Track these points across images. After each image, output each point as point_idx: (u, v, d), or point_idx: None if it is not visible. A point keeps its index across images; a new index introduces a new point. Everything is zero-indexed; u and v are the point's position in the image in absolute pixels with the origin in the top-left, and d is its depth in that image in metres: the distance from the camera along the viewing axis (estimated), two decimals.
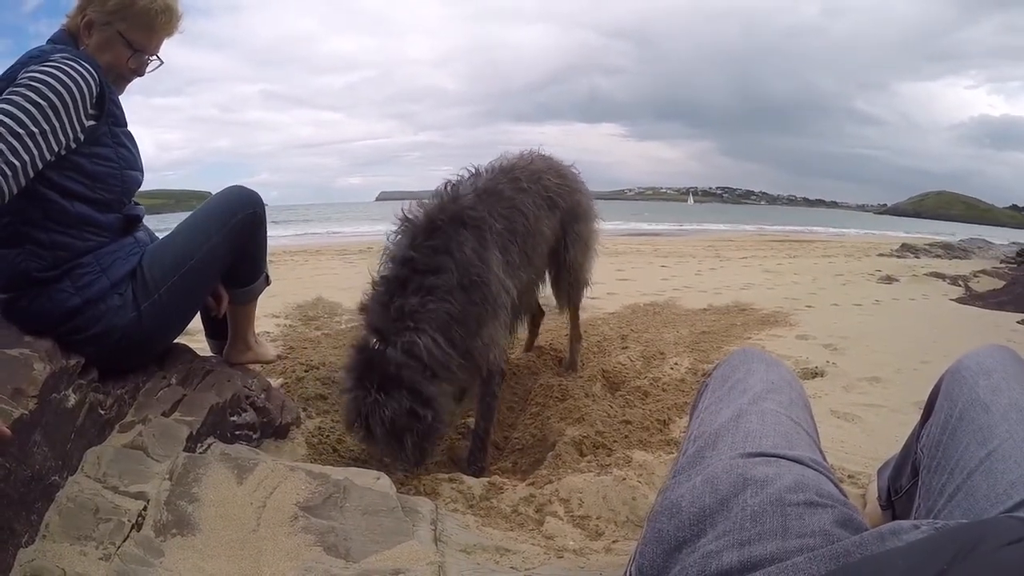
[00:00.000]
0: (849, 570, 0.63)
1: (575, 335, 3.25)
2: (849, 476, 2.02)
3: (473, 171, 2.47)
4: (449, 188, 2.30)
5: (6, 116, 1.60)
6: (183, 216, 2.19)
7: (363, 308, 2.15)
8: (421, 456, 2.05)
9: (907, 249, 11.71)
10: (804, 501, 0.76)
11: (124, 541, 1.40)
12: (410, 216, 2.19)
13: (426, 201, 2.25)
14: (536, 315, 3.42)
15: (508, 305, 2.26)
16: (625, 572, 0.82)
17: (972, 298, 5.90)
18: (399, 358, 1.96)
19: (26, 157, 1.62)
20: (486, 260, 2.16)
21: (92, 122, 1.84)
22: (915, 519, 0.76)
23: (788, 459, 0.85)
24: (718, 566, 0.70)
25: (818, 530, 0.72)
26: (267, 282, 2.39)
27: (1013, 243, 14.98)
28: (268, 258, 2.40)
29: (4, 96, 1.65)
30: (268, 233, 2.31)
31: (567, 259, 2.87)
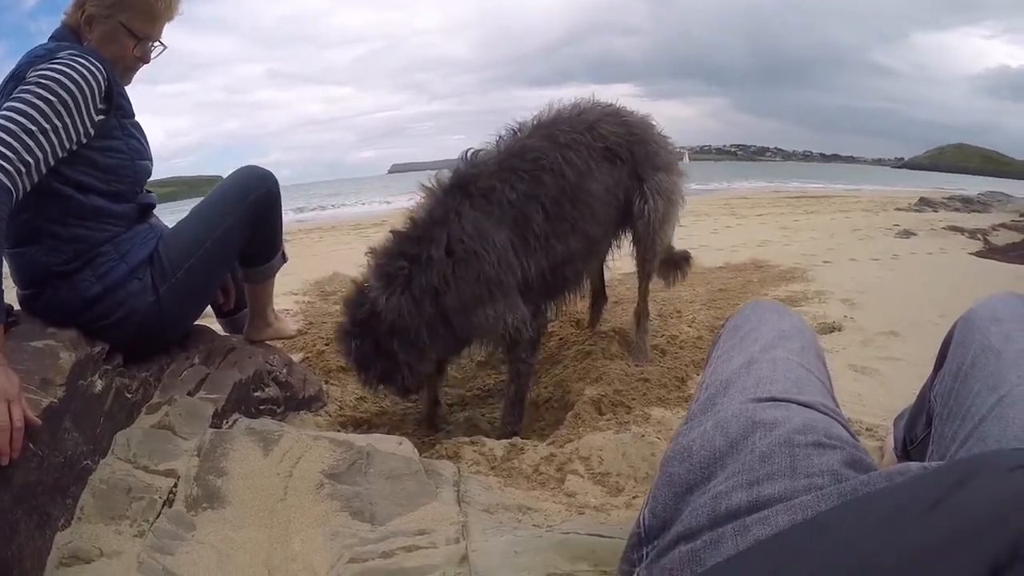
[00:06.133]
0: (852, 504, 0.64)
1: (641, 309, 2.79)
2: (867, 429, 2.03)
3: (514, 128, 2.37)
4: (470, 154, 2.27)
5: (18, 114, 1.62)
6: (197, 202, 2.22)
7: (373, 250, 2.22)
8: (382, 388, 2.29)
9: (925, 203, 11.50)
10: (812, 442, 0.76)
11: (157, 518, 1.44)
12: (429, 184, 2.22)
13: (444, 172, 2.26)
14: (599, 296, 3.11)
15: (513, 283, 2.18)
16: (639, 516, 0.84)
17: (991, 252, 5.82)
18: (379, 307, 2.10)
19: (39, 154, 1.63)
20: (486, 234, 2.11)
21: (102, 116, 1.85)
22: None
23: (798, 403, 0.85)
24: (727, 506, 0.71)
25: (826, 470, 0.72)
26: (284, 259, 2.41)
27: None
28: (285, 236, 2.42)
29: (15, 95, 1.67)
30: (283, 212, 2.33)
31: (641, 216, 2.52)
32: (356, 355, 2.17)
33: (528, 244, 2.20)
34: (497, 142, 2.32)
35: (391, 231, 2.19)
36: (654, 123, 2.66)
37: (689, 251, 3.13)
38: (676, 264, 3.04)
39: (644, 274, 2.73)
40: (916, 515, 0.53)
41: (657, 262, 2.73)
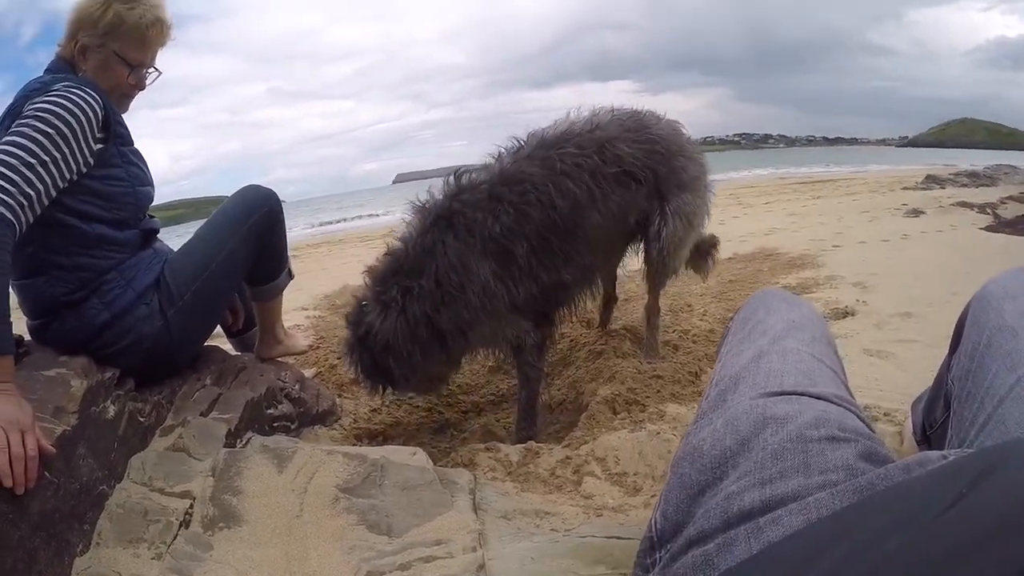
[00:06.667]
0: (869, 502, 0.62)
1: (652, 306, 2.71)
2: (885, 414, 2.00)
3: (518, 142, 2.28)
4: (455, 178, 2.19)
5: (17, 148, 1.62)
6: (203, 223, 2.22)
7: (369, 270, 2.22)
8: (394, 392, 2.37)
9: (932, 180, 11.39)
10: (826, 436, 0.74)
11: (174, 539, 1.45)
12: (418, 204, 2.20)
13: (437, 190, 2.21)
14: (610, 301, 3.05)
15: (501, 307, 2.16)
16: (651, 520, 0.82)
17: (1001, 225, 5.75)
18: (375, 329, 2.12)
19: (40, 187, 1.64)
20: (469, 266, 2.09)
21: (100, 145, 1.86)
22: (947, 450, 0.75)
23: (810, 396, 0.83)
24: (740, 507, 0.70)
25: (841, 465, 0.70)
26: (290, 276, 2.41)
27: None
28: (292, 252, 2.42)
29: (13, 129, 1.67)
30: (289, 228, 2.33)
31: (656, 239, 2.43)
32: (360, 367, 2.21)
33: (513, 275, 2.15)
34: (497, 158, 2.25)
35: (387, 252, 2.19)
36: (684, 132, 2.56)
37: (715, 236, 3.02)
38: (707, 252, 2.96)
39: (654, 288, 2.67)
40: (936, 514, 0.51)
41: (668, 281, 2.68)
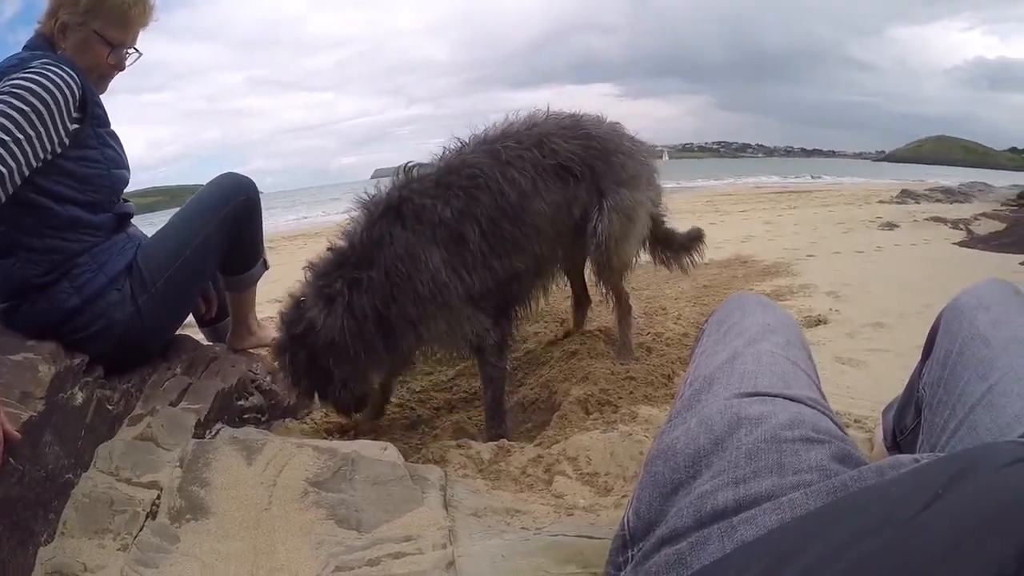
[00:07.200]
0: (844, 502, 0.63)
1: (622, 308, 2.69)
2: (856, 420, 2.03)
3: (460, 141, 2.28)
4: (404, 171, 2.18)
5: None
6: None
7: (310, 265, 2.15)
8: (327, 402, 2.23)
9: (907, 195, 11.55)
10: (800, 437, 0.75)
11: (140, 531, 1.43)
12: (365, 198, 2.17)
13: (382, 185, 2.19)
14: (582, 302, 3.00)
15: (453, 299, 2.11)
16: (623, 518, 0.82)
17: (974, 241, 5.85)
18: (317, 325, 2.03)
19: (12, 164, 1.62)
20: (417, 256, 2.05)
21: (76, 125, 1.83)
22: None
23: (784, 398, 0.84)
24: (713, 506, 0.69)
25: (815, 465, 0.71)
26: (265, 267, 2.39)
27: (1013, 186, 14.65)
28: (268, 244, 2.40)
29: None
30: (265, 219, 2.31)
31: (593, 235, 2.40)
32: (290, 368, 2.11)
33: (466, 262, 2.13)
34: (441, 155, 2.26)
35: (329, 248, 2.14)
36: (625, 132, 2.56)
37: (700, 228, 3.00)
38: (686, 247, 2.94)
39: (608, 288, 2.64)
40: (911, 516, 0.51)
41: (618, 279, 2.63)
